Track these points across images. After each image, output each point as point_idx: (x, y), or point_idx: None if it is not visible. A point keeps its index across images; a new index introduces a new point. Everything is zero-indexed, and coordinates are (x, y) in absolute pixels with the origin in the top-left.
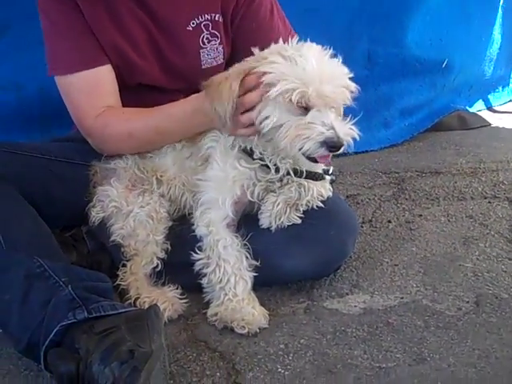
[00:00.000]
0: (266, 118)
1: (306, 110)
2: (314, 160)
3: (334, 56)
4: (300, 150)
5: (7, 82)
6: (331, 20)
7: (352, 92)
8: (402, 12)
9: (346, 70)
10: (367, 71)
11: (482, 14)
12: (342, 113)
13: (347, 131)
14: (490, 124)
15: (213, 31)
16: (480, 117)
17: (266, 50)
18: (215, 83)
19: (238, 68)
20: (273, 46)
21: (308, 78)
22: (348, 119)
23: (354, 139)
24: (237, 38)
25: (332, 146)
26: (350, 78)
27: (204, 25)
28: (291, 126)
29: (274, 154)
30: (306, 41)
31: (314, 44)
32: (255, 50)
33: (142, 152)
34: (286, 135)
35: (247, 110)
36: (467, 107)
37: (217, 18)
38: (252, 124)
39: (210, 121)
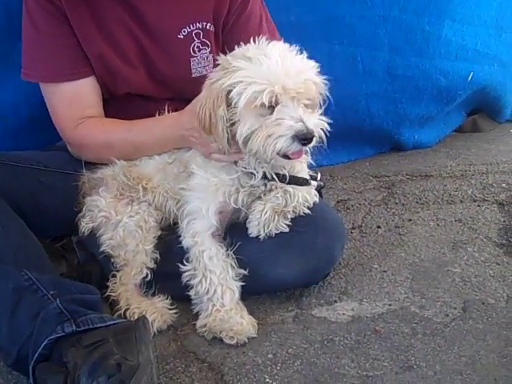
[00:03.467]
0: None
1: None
2: (288, 157)
3: (300, 52)
4: (273, 150)
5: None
6: (355, 29)
7: (316, 84)
8: (426, 20)
9: (311, 63)
10: (386, 84)
11: None
12: (317, 107)
13: (317, 122)
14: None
15: (204, 40)
16: (492, 120)
17: (229, 55)
18: (206, 118)
19: (212, 90)
20: (237, 49)
21: (273, 76)
22: (318, 111)
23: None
24: (226, 46)
25: (303, 138)
26: (317, 72)
27: (195, 33)
28: (260, 127)
29: (254, 160)
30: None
31: (281, 42)
32: (220, 57)
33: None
34: (258, 137)
35: None
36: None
37: (208, 27)
38: None
39: (187, 140)
